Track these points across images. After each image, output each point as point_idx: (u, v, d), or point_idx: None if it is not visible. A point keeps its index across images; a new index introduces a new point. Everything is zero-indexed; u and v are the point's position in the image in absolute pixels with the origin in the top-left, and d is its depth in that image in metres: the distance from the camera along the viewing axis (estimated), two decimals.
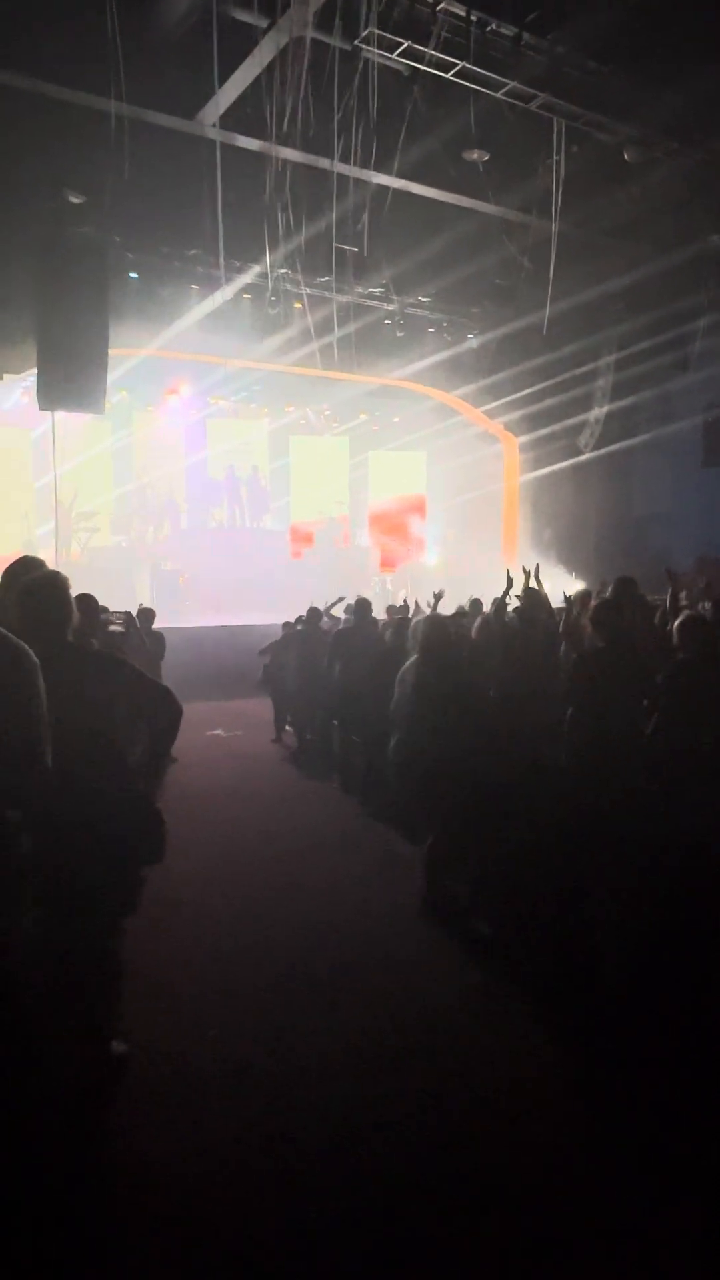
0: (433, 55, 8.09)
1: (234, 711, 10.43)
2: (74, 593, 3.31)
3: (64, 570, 3.20)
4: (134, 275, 12.19)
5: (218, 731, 9.70)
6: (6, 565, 3.60)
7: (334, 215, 9.61)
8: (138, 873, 3.09)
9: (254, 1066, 3.16)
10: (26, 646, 2.15)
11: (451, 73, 8.30)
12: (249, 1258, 2.33)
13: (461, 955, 4.13)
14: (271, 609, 12.14)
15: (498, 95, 8.69)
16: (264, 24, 7.78)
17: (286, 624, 9.20)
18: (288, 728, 9.25)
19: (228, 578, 15.38)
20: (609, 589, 5.55)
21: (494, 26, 8.20)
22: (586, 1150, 2.76)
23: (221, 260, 10.94)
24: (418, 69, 8.28)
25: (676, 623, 4.28)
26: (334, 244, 10.48)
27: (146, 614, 7.94)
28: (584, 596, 6.47)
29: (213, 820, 6.32)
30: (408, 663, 4.97)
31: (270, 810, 6.78)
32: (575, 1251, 2.38)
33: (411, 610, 7.75)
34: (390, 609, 8.64)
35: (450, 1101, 2.98)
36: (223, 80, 8.43)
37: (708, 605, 6.30)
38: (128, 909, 3.05)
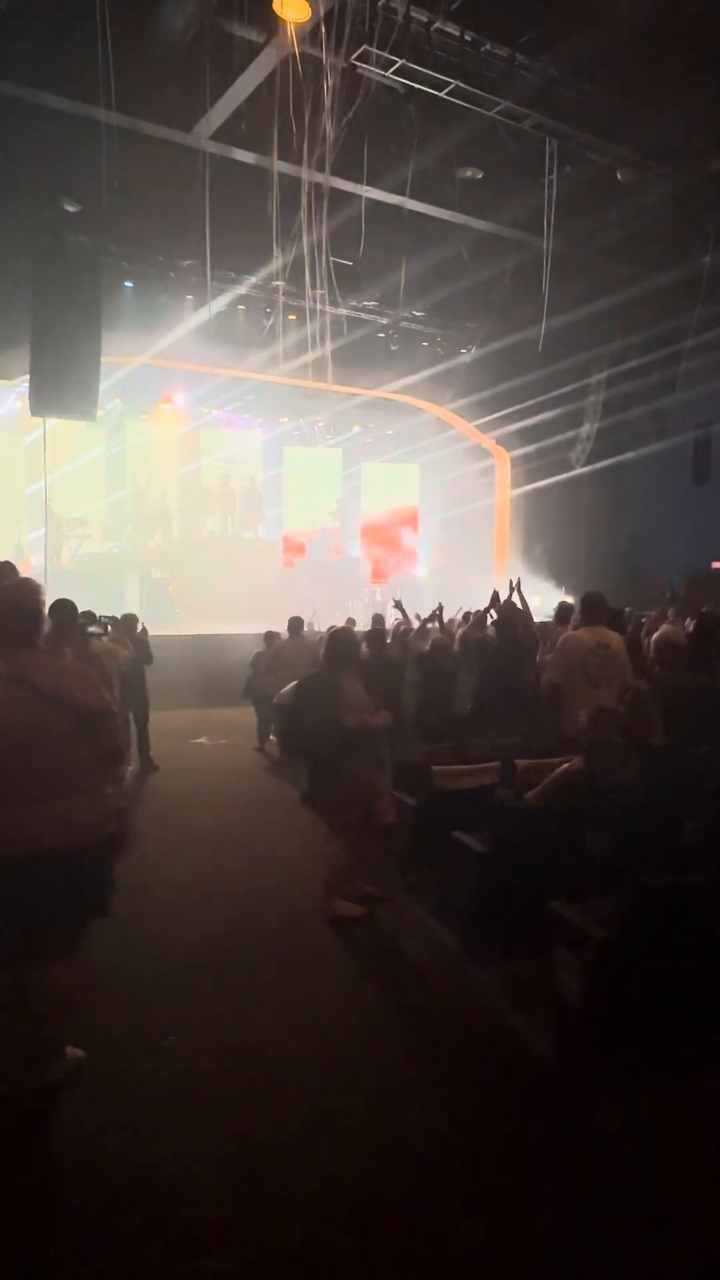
0: (427, 74, 8.18)
1: (219, 720, 10.42)
2: (52, 599, 3.36)
3: (53, 577, 3.26)
4: (129, 284, 12.27)
5: (201, 740, 9.69)
6: None
7: (326, 229, 9.68)
8: (111, 878, 3.08)
9: (215, 1073, 3.15)
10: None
11: (445, 91, 8.39)
12: (204, 1263, 2.32)
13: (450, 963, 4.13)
14: (263, 619, 12.16)
15: (491, 114, 8.80)
16: (260, 40, 7.87)
17: (269, 634, 9.22)
18: (271, 737, 9.24)
19: (218, 587, 15.38)
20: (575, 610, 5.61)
21: (488, 47, 8.32)
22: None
23: (208, 272, 11.02)
24: (412, 87, 8.38)
25: (652, 639, 4.32)
26: (328, 257, 10.56)
27: (129, 620, 7.98)
28: (563, 611, 6.52)
29: (191, 828, 6.31)
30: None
31: (249, 818, 6.78)
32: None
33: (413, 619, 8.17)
34: (375, 618, 8.70)
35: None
36: (219, 94, 8.53)
37: (689, 623, 6.34)
38: (101, 913, 3.05)
